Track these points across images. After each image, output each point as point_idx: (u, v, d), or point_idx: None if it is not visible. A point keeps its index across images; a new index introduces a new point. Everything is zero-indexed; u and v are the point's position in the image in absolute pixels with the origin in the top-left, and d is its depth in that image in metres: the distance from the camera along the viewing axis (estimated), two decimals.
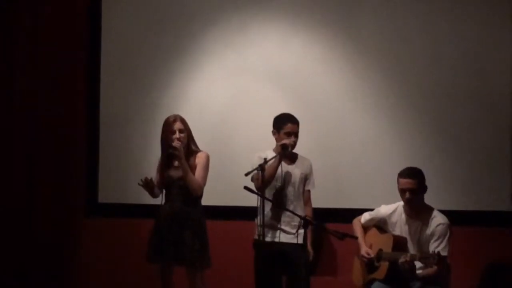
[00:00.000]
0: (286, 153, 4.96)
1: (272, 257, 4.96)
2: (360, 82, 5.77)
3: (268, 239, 4.96)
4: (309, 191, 5.15)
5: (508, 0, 5.57)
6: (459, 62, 5.64)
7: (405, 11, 5.72)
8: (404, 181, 4.80)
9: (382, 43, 5.74)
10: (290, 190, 5.05)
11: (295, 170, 5.08)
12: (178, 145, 4.82)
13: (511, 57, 5.56)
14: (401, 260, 4.60)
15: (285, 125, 5.03)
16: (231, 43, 5.94)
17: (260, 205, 4.71)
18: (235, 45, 5.94)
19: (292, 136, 5.01)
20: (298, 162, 5.12)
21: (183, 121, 4.94)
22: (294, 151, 5.10)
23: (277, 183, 5.04)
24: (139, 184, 4.88)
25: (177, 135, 4.88)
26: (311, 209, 5.14)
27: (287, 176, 5.05)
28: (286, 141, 4.93)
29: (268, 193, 5.03)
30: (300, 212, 4.99)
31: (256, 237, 5.00)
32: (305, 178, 5.11)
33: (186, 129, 4.93)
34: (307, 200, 5.15)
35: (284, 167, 5.06)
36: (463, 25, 5.64)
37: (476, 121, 5.62)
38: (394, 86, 5.74)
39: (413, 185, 4.78)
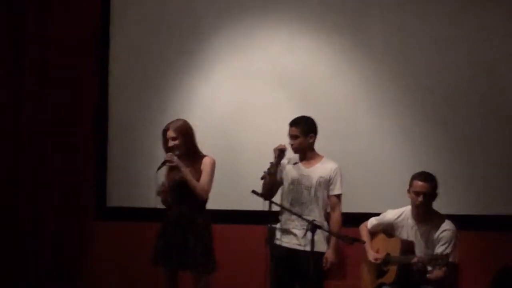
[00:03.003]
0: (282, 157, 4.95)
1: (285, 262, 4.95)
2: (368, 86, 5.77)
3: (283, 243, 4.98)
4: (335, 196, 5.04)
5: None
6: (468, 65, 5.64)
7: (413, 14, 5.71)
8: (419, 184, 4.80)
9: (390, 47, 5.74)
10: (305, 194, 5.01)
11: (313, 174, 5.03)
12: (169, 157, 4.83)
13: None
14: (414, 260, 4.60)
15: (289, 128, 5.06)
16: (238, 47, 5.94)
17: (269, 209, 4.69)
18: (242, 48, 5.94)
19: (291, 139, 5.02)
20: (319, 165, 5.06)
21: (176, 128, 4.91)
22: (321, 154, 5.10)
23: (294, 187, 5.02)
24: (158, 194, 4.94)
25: (170, 143, 4.90)
26: (338, 215, 5.02)
27: (302, 179, 5.02)
28: (279, 146, 4.93)
29: (286, 197, 5.04)
30: (317, 217, 4.94)
31: (274, 241, 5.02)
32: (326, 183, 5.03)
33: (181, 135, 4.91)
34: (333, 206, 5.04)
35: (302, 170, 5.04)
36: (471, 28, 5.64)
37: (486, 124, 5.61)
38: (401, 90, 5.73)
39: (427, 190, 4.78)
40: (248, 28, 5.93)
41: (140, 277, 5.78)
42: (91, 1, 6.19)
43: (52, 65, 6.14)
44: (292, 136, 5.01)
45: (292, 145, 5.01)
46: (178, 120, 5.01)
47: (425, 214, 4.83)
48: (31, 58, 6.10)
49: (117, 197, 6.10)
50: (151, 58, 6.09)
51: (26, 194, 6.06)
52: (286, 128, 5.16)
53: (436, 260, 4.52)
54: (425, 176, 4.82)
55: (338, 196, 5.07)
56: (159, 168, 4.90)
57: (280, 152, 4.93)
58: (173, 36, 6.06)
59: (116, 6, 6.15)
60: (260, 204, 4.70)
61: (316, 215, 4.97)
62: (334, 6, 5.81)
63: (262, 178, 4.79)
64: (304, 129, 5.01)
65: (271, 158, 4.95)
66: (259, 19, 5.92)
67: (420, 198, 4.77)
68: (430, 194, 4.78)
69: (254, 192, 4.59)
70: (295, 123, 5.02)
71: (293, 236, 4.95)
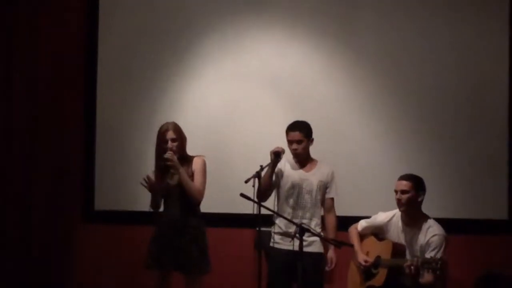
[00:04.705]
0: (278, 160, 4.95)
1: (286, 264, 4.94)
2: (358, 89, 5.80)
3: (285, 246, 4.98)
4: (331, 199, 5.12)
5: (506, 6, 5.63)
6: (458, 70, 5.68)
7: (404, 17, 5.76)
8: (397, 182, 4.87)
9: (380, 50, 5.77)
10: (306, 198, 5.04)
11: (313, 178, 5.07)
12: (170, 155, 4.80)
13: (509, 64, 5.61)
14: (407, 263, 4.59)
15: (287, 133, 5.06)
16: (228, 49, 5.94)
17: (258, 212, 4.68)
18: (232, 51, 5.94)
19: (294, 144, 5.02)
20: (316, 169, 5.10)
21: (175, 130, 4.90)
22: (315, 158, 5.13)
23: (294, 191, 5.04)
24: (141, 184, 4.82)
25: (169, 144, 4.86)
26: (334, 217, 5.12)
27: (304, 183, 5.04)
28: (276, 148, 4.92)
29: (286, 201, 5.05)
30: (317, 220, 5.03)
31: (271, 244, 5.04)
32: (325, 186, 5.09)
33: (179, 137, 4.90)
34: (329, 208, 5.12)
35: (301, 174, 5.06)
36: (461, 32, 5.69)
37: (473, 129, 5.66)
38: (392, 94, 5.77)
39: (403, 187, 4.82)
40: (239, 30, 5.94)
41: (130, 280, 5.78)
42: (79, 2, 6.17)
43: (40, 67, 6.10)
44: (296, 141, 5.02)
45: (295, 149, 5.02)
46: (170, 122, 4.97)
47: (413, 218, 4.84)
48: (20, 59, 6.08)
49: (104, 201, 6.06)
50: (141, 60, 6.07)
51: (13, 197, 6.02)
52: (277, 131, 5.21)
53: (429, 263, 4.50)
54: (404, 175, 4.88)
55: (333, 199, 5.13)
56: (162, 168, 4.86)
57: (276, 156, 4.92)
58: (163, 38, 6.05)
59: (105, 7, 6.12)
60: (249, 208, 4.69)
61: (317, 218, 5.05)
62: (325, 9, 5.83)
63: (246, 182, 4.77)
64: (307, 133, 5.05)
65: (261, 161, 4.94)
66: (250, 21, 5.92)
67: (397, 196, 4.82)
68: (408, 192, 4.79)
69: (243, 195, 4.56)
70: (297, 127, 5.03)
71: (296, 239, 4.94)
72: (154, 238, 4.93)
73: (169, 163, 4.80)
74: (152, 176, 4.89)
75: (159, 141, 4.91)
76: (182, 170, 4.82)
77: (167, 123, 4.96)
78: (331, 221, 5.10)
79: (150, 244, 4.93)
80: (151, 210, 4.97)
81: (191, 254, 4.82)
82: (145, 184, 4.82)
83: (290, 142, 5.04)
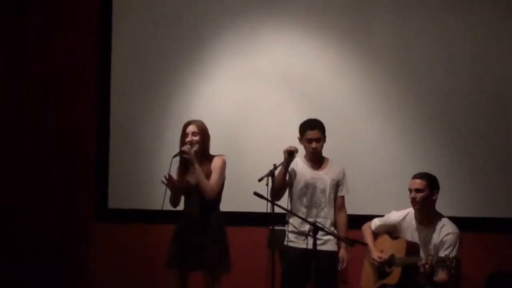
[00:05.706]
0: (292, 159, 4.95)
1: (300, 263, 4.92)
2: (372, 88, 5.80)
3: (297, 245, 4.99)
4: (342, 197, 5.12)
5: None
6: (473, 68, 5.68)
7: (418, 15, 5.75)
8: (411, 181, 4.88)
9: (394, 48, 5.78)
10: (320, 197, 5.04)
11: (325, 176, 5.07)
12: (187, 148, 4.82)
13: None
14: (422, 262, 4.59)
15: (305, 132, 5.04)
16: (241, 49, 5.96)
17: (272, 210, 4.67)
18: (245, 50, 5.95)
19: (314, 142, 5.02)
20: (328, 168, 5.10)
21: (199, 125, 4.92)
22: (326, 156, 5.13)
23: (308, 190, 5.04)
24: (162, 182, 4.80)
25: (189, 137, 4.88)
26: (345, 215, 5.11)
27: (317, 182, 5.05)
28: (290, 147, 4.91)
29: (300, 200, 5.05)
30: (331, 218, 5.03)
31: (285, 243, 5.05)
32: (337, 184, 5.09)
33: (201, 133, 4.91)
34: (341, 206, 5.12)
35: (314, 173, 5.07)
36: (477, 30, 5.68)
37: (490, 126, 5.66)
38: (405, 92, 5.77)
39: (417, 185, 4.83)
40: (250, 30, 5.95)
41: (144, 279, 5.79)
42: (93, 2, 6.19)
43: (54, 66, 6.13)
44: (316, 139, 5.01)
45: (315, 148, 5.01)
46: (197, 120, 4.98)
47: (427, 216, 4.85)
48: (33, 58, 6.11)
49: (118, 199, 6.08)
50: (154, 60, 6.08)
51: (27, 195, 6.05)
52: (289, 129, 5.21)
53: (444, 262, 4.52)
54: (418, 174, 4.89)
55: (344, 197, 5.14)
56: (175, 156, 4.85)
57: (289, 154, 4.92)
58: (175, 38, 6.06)
59: (118, 8, 6.14)
60: (263, 206, 4.68)
61: (331, 217, 5.05)
62: (338, 7, 5.84)
63: (260, 180, 4.76)
64: (323, 131, 5.06)
65: (274, 159, 4.93)
66: (262, 21, 5.93)
67: (412, 194, 4.83)
68: (422, 189, 4.81)
69: (256, 194, 4.57)
70: (316, 126, 5.03)
71: (310, 238, 4.95)
72: (175, 237, 4.92)
73: (185, 155, 4.81)
74: (175, 174, 4.90)
75: (181, 135, 4.94)
76: (197, 166, 4.82)
77: (192, 119, 4.98)
78: (342, 219, 5.09)
79: (171, 244, 4.91)
80: (171, 207, 4.96)
81: (212, 253, 4.81)
82: (166, 183, 4.81)
83: (309, 141, 5.03)
